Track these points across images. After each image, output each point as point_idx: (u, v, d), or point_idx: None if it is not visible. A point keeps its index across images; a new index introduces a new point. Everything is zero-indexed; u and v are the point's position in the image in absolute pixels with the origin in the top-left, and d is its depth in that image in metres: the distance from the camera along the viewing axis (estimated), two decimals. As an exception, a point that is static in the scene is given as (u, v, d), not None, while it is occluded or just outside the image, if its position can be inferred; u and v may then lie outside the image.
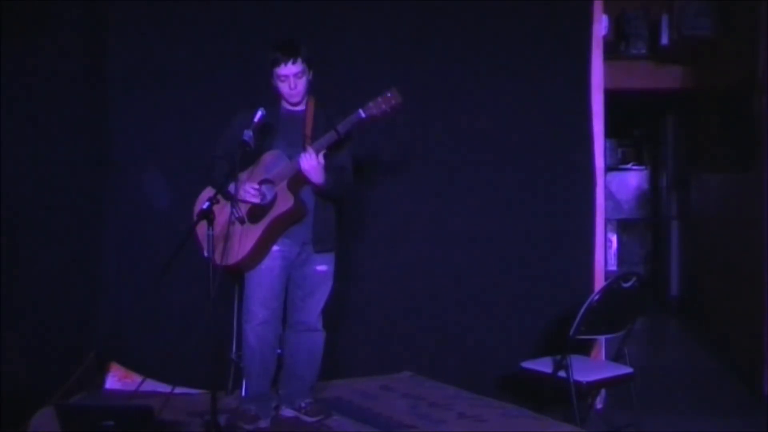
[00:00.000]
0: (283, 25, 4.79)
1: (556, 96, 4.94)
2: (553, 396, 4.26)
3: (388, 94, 3.63)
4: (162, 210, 4.79)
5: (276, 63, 3.70)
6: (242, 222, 3.69)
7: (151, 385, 4.64)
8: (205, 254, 3.48)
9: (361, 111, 3.63)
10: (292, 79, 3.71)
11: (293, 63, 3.69)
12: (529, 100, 4.94)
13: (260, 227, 3.68)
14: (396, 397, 4.28)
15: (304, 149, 3.67)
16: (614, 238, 9.54)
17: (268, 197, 3.70)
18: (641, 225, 9.75)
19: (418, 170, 4.92)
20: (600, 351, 4.94)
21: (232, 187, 3.64)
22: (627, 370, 4.26)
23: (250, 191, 3.67)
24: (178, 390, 4.30)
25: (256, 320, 3.76)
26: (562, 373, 4.05)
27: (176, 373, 4.52)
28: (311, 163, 3.61)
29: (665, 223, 9.03)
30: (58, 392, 4.32)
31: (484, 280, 4.92)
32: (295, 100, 3.78)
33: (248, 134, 3.53)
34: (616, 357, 4.47)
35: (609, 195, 8.72)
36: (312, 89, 3.83)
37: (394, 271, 4.92)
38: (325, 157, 3.65)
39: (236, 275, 3.88)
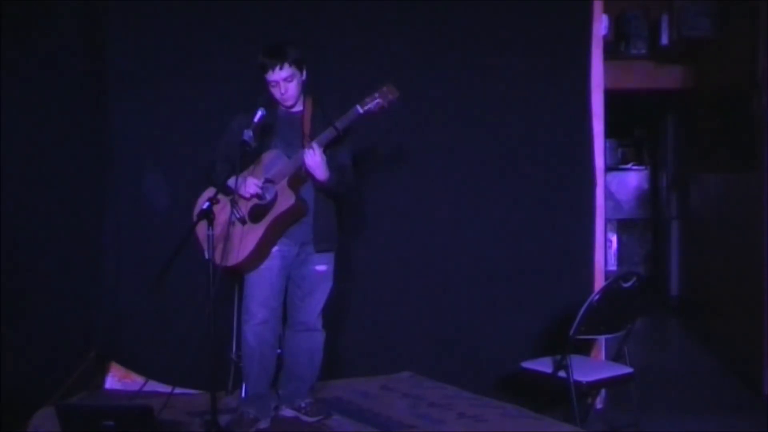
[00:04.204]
0: (282, 23, 4.79)
1: (556, 96, 4.94)
2: (553, 396, 4.26)
3: (385, 89, 3.63)
4: (162, 210, 4.80)
5: (264, 69, 3.68)
6: (243, 222, 3.69)
7: (152, 385, 4.64)
8: (206, 256, 3.48)
9: (358, 107, 3.63)
10: (282, 84, 3.69)
11: (281, 68, 3.66)
12: (529, 99, 4.94)
13: (262, 226, 3.68)
14: (396, 397, 4.28)
15: (303, 148, 3.67)
16: (614, 238, 9.54)
17: (268, 197, 3.70)
18: (641, 225, 9.75)
19: (418, 171, 4.92)
20: (600, 351, 4.94)
21: (231, 185, 3.63)
22: (627, 370, 4.26)
23: (252, 183, 3.66)
24: (178, 390, 4.30)
25: (255, 320, 3.75)
26: (562, 373, 4.05)
27: (176, 374, 4.51)
28: (315, 159, 3.60)
29: (665, 223, 9.03)
30: (58, 392, 4.32)
31: (484, 280, 4.91)
32: (289, 103, 3.77)
33: (248, 134, 3.53)
34: (616, 357, 4.47)
35: (609, 195, 8.73)
36: (309, 88, 3.82)
37: (394, 271, 4.92)
38: (325, 155, 3.65)
39: (236, 275, 3.88)
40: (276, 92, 3.72)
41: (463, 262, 4.93)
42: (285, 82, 3.70)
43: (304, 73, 3.76)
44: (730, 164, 6.33)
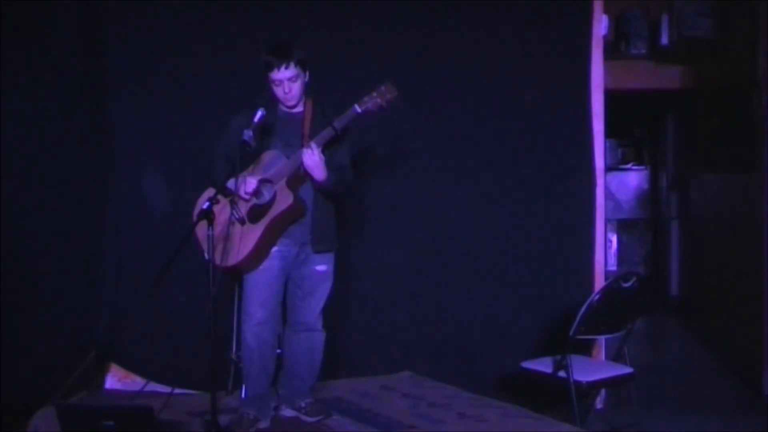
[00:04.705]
0: (282, 24, 4.79)
1: (556, 96, 4.94)
2: (553, 396, 4.26)
3: (383, 88, 3.64)
4: (162, 210, 4.80)
5: (269, 68, 3.67)
6: (242, 222, 3.69)
7: (152, 385, 4.64)
8: (206, 256, 3.48)
9: (356, 106, 3.64)
10: (286, 83, 3.69)
11: (286, 68, 3.66)
12: (529, 99, 4.94)
13: (261, 226, 3.68)
14: (396, 397, 4.28)
15: (302, 148, 3.67)
16: (614, 238, 9.54)
17: (267, 197, 3.70)
18: (641, 225, 9.74)
19: (418, 171, 4.92)
20: (600, 351, 4.94)
21: (231, 186, 3.63)
22: (627, 370, 4.26)
23: (251, 182, 3.66)
24: (178, 390, 4.30)
25: (254, 320, 3.75)
26: (562, 373, 4.05)
27: (176, 374, 4.52)
28: (314, 159, 3.60)
29: (665, 223, 9.03)
30: (58, 392, 4.32)
31: (484, 280, 4.92)
32: (291, 103, 3.76)
33: (248, 134, 3.53)
34: (616, 357, 4.47)
35: (609, 195, 8.71)
36: (310, 89, 3.82)
37: (394, 271, 4.92)
38: (324, 155, 3.65)
39: (236, 275, 3.88)
40: (279, 91, 3.72)
41: (463, 262, 4.94)
42: (289, 82, 3.69)
43: (307, 74, 3.76)
44: (730, 164, 6.33)
